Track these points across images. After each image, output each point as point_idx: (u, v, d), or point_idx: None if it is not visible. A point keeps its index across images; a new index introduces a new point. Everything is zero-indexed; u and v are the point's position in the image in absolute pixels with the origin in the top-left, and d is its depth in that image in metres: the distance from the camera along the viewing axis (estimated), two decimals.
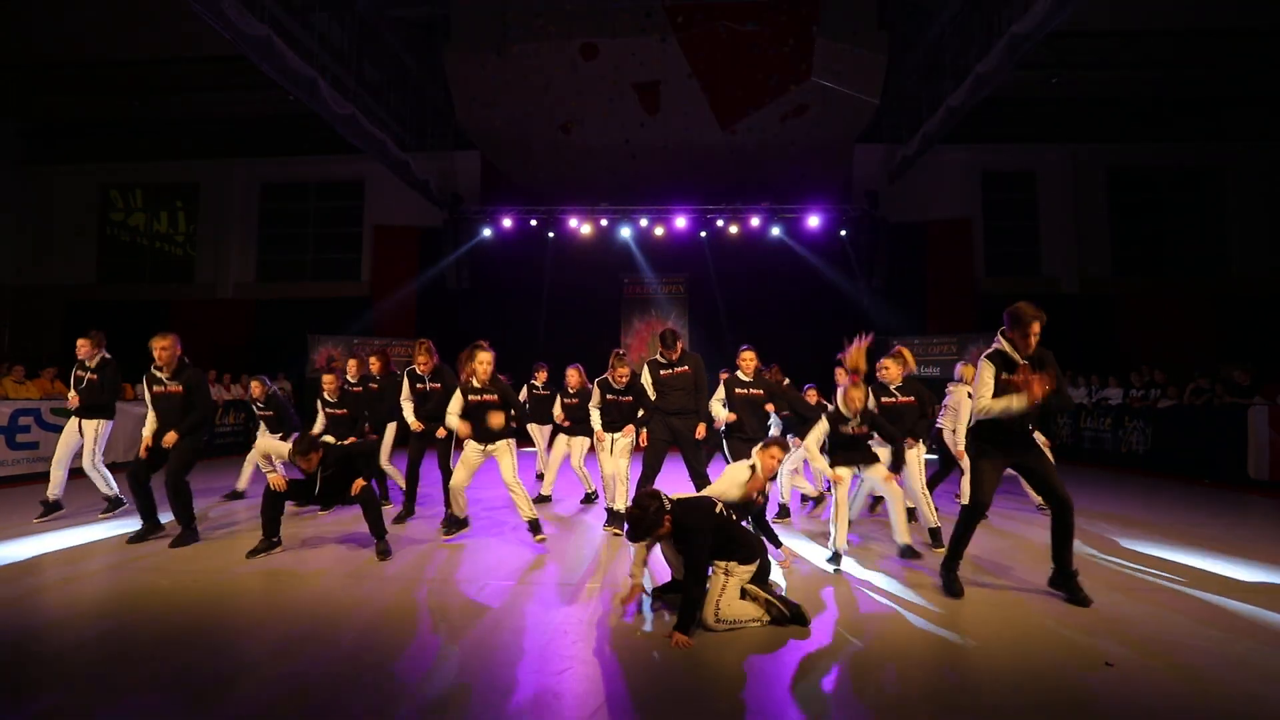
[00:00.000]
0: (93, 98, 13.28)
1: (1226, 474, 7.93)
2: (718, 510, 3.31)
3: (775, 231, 12.99)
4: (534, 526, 4.81)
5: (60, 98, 13.28)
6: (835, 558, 4.13)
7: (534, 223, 13.17)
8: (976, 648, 2.96)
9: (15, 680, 2.58)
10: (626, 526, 3.21)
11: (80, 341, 5.34)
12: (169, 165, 14.64)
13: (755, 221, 12.79)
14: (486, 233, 13.31)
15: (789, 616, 3.19)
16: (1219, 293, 12.98)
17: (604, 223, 13.02)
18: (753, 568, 3.30)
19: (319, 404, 5.95)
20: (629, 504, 3.29)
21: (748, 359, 5.44)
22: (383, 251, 14.08)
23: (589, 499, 6.71)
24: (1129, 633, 3.15)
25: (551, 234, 13.22)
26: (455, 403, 4.83)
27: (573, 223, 13.00)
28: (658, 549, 3.49)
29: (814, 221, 12.79)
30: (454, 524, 5.01)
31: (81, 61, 11.87)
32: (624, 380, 5.49)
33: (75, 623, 3.21)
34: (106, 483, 5.47)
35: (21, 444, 7.60)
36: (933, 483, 5.82)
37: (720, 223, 12.94)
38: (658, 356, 5.42)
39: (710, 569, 3.22)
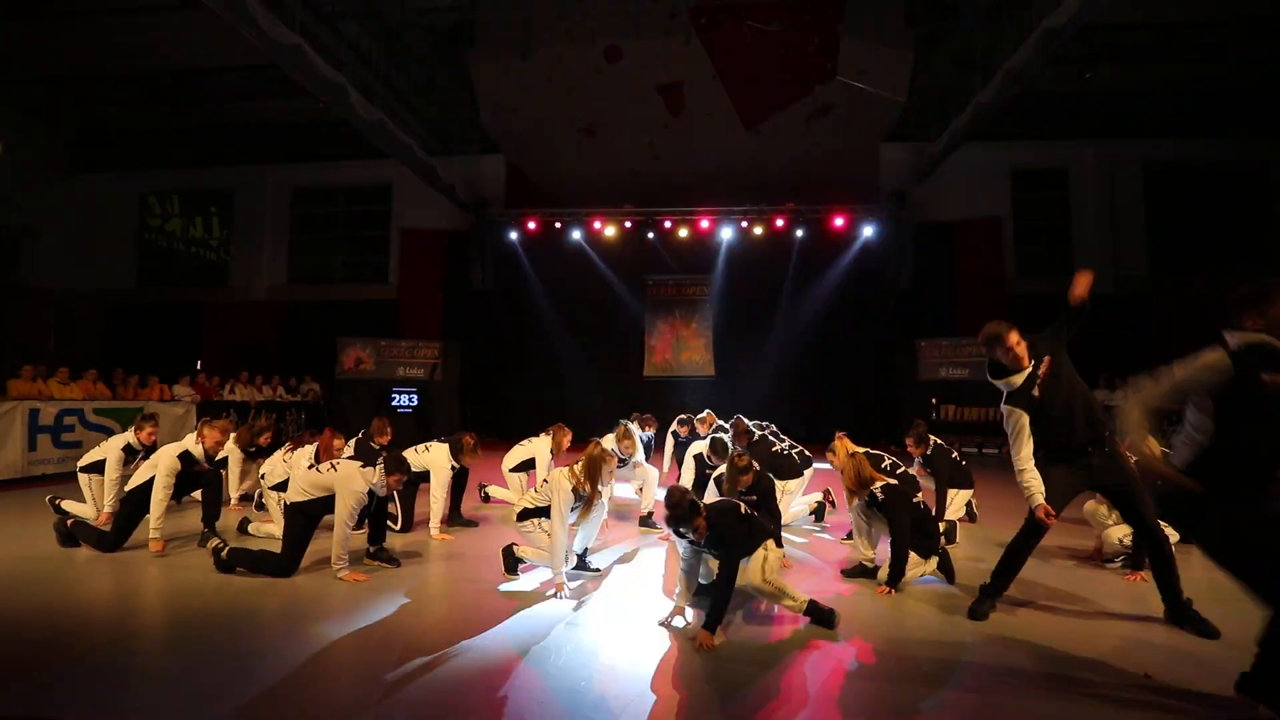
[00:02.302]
0: (133, 108, 13.69)
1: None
2: (744, 511, 3.31)
3: (800, 232, 12.90)
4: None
5: (103, 109, 13.73)
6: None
7: (558, 225, 13.25)
8: (1007, 662, 2.90)
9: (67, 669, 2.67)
10: (666, 518, 3.21)
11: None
12: (204, 172, 15.01)
13: (780, 222, 12.71)
14: (512, 235, 13.43)
15: (822, 614, 3.18)
16: None
17: (628, 224, 13.05)
18: (783, 551, 3.39)
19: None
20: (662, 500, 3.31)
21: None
22: (410, 254, 14.26)
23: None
24: (1170, 645, 3.06)
25: (576, 235, 13.29)
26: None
27: (596, 224, 13.05)
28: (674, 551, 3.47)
29: (839, 222, 12.68)
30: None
31: (123, 74, 12.26)
32: (630, 452, 5.43)
33: (127, 615, 3.32)
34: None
35: (66, 442, 7.86)
36: None
37: (744, 224, 12.88)
38: (705, 457, 5.45)
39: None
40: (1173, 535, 4.23)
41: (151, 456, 4.72)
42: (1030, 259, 13.45)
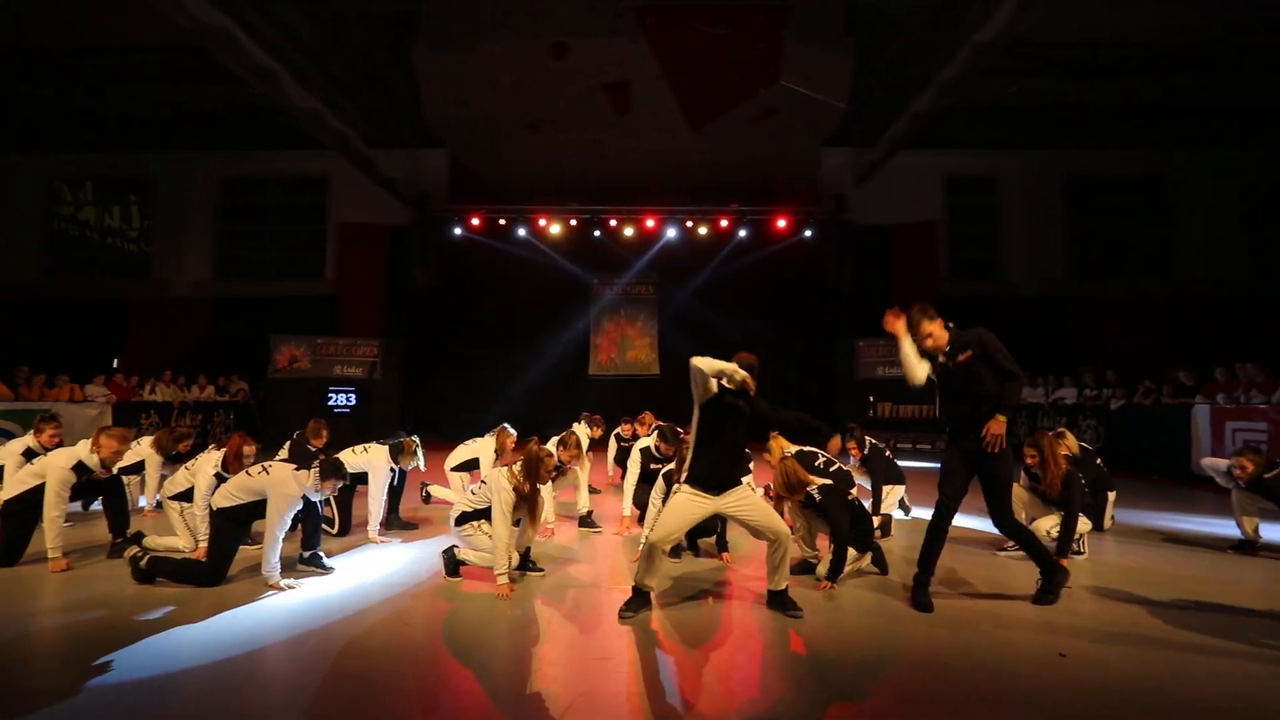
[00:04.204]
0: (38, 86, 12.71)
1: (1173, 470, 8.27)
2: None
3: (744, 233, 13.11)
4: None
5: (3, 85, 12.70)
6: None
7: (503, 222, 13.06)
8: (934, 647, 3.03)
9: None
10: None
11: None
12: (121, 158, 14.11)
13: (724, 222, 12.89)
14: (455, 231, 13.17)
15: (786, 601, 3.38)
16: (1168, 296, 13.49)
17: (573, 222, 12.98)
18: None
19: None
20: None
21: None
22: (348, 249, 13.80)
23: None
24: (1082, 625, 3.27)
25: (521, 232, 13.13)
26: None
27: (542, 222, 12.93)
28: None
29: (782, 223, 12.95)
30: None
31: (25, 47, 11.37)
32: (570, 462, 5.14)
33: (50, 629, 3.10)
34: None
35: None
36: None
37: (690, 223, 13.00)
38: (653, 448, 5.28)
39: None
40: (1085, 525, 4.51)
41: (37, 462, 4.32)
42: (961, 262, 14.06)
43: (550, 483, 4.82)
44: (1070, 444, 4.85)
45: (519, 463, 3.80)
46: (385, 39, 11.67)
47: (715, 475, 3.37)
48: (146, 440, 5.39)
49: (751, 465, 5.77)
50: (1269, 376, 8.23)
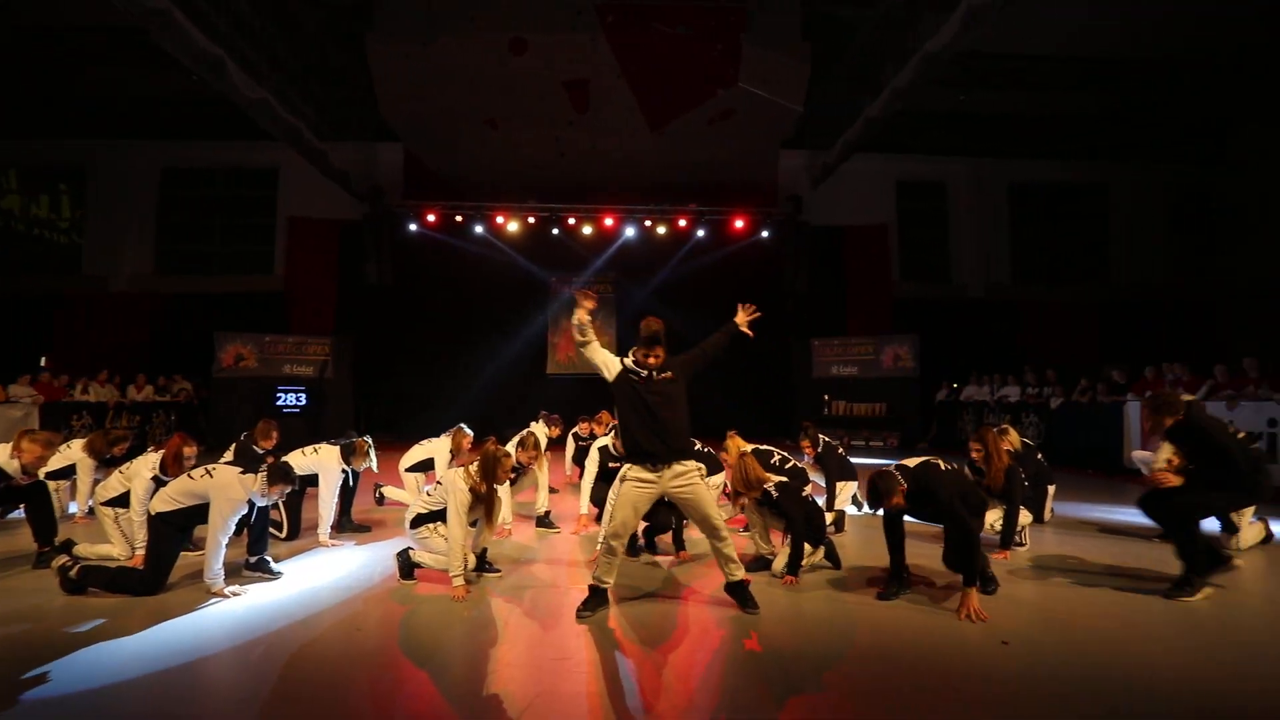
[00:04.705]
0: None
1: (1107, 464, 8.70)
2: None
3: (702, 232, 13.21)
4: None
5: None
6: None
7: (459, 218, 12.87)
8: (885, 636, 3.12)
9: None
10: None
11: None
12: (51, 144, 13.34)
13: (682, 222, 12.96)
14: (410, 227, 12.90)
15: (745, 594, 3.40)
16: (1103, 299, 14.17)
17: (531, 220, 12.87)
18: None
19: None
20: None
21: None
22: (298, 244, 13.37)
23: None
24: (1023, 613, 3.41)
25: (478, 230, 12.95)
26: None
27: (499, 219, 12.78)
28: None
29: (739, 224, 13.10)
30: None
31: None
32: (529, 462, 5.16)
33: None
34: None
35: None
36: None
37: (648, 223, 13.03)
38: (611, 447, 5.23)
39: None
40: (1026, 518, 4.71)
41: None
42: (912, 264, 14.46)
43: (509, 483, 4.78)
44: (1013, 440, 5.05)
45: (475, 463, 3.75)
46: (338, 29, 11.36)
47: (649, 444, 3.31)
48: (78, 443, 5.12)
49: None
50: (1192, 375, 8.72)
